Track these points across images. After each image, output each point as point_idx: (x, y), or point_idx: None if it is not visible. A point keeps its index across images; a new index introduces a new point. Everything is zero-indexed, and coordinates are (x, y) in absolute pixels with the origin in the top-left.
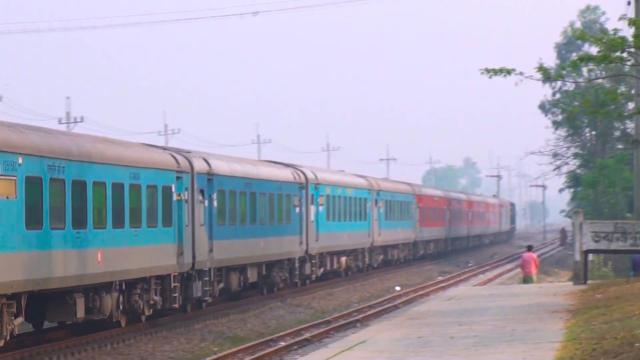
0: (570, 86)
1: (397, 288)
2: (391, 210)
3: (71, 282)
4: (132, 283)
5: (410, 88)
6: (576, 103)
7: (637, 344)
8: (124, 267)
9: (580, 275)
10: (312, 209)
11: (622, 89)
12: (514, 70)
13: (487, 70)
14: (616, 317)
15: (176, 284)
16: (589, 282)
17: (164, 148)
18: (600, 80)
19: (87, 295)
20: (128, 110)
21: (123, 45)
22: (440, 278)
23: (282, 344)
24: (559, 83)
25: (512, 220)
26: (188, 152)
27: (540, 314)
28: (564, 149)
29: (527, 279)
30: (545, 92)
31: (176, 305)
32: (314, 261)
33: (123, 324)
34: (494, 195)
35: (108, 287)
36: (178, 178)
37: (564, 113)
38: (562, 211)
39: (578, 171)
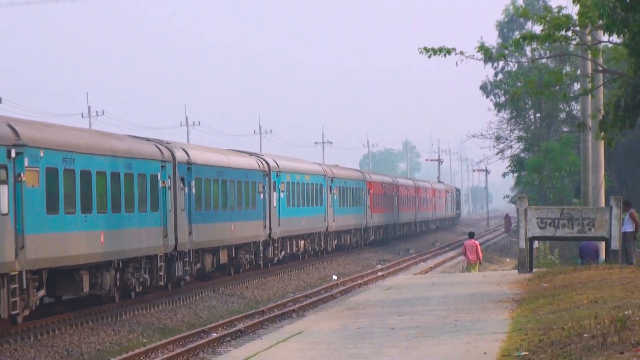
0: (513, 66)
1: (334, 277)
2: (344, 197)
3: (81, 260)
4: (126, 262)
5: (347, 69)
6: (519, 84)
7: (585, 335)
8: (121, 247)
9: (525, 263)
10: (275, 195)
11: (567, 69)
12: (454, 49)
13: (426, 50)
14: (563, 306)
15: (161, 264)
16: (535, 270)
17: (147, 139)
18: (544, 60)
19: (91, 273)
20: (49, 91)
21: (39, 23)
22: (379, 266)
23: (215, 335)
24: (501, 63)
25: (458, 206)
26: (168, 142)
27: (484, 304)
28: (507, 131)
29: (469, 268)
30: (487, 72)
31: (162, 283)
32: (276, 245)
33: (117, 299)
34: (439, 181)
35: (108, 265)
36: (162, 167)
37: (507, 94)
38: (506, 196)
39: (522, 155)
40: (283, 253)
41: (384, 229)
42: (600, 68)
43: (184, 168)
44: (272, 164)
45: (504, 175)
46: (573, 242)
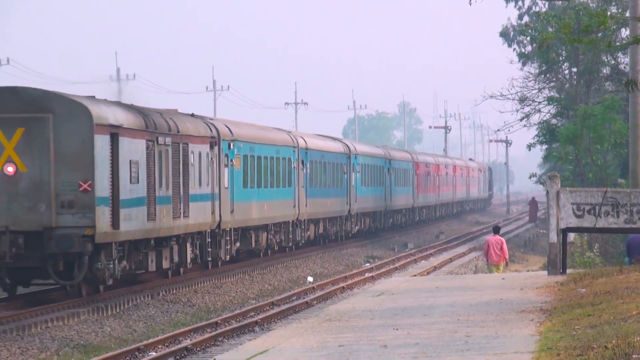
0: (542, 6)
1: (310, 279)
2: (399, 177)
3: (255, 222)
4: (273, 226)
5: (328, 10)
6: (551, 29)
7: (635, 356)
8: (273, 214)
9: (557, 262)
10: (353, 175)
11: (613, 10)
12: None
13: None
14: (606, 319)
15: (290, 229)
16: (569, 271)
17: (279, 129)
18: None
19: (255, 232)
20: None
21: None
22: (367, 265)
23: (153, 354)
24: (527, 2)
25: (490, 186)
26: (289, 132)
27: (504, 315)
28: (535, 91)
29: (492, 270)
30: (509, 14)
31: (291, 244)
32: (352, 220)
33: (261, 255)
34: (470, 159)
35: (264, 228)
36: (294, 152)
37: (535, 43)
38: (532, 175)
39: (554, 121)
40: (357, 227)
41: (427, 209)
42: None
43: (303, 152)
44: (351, 147)
45: (529, 147)
46: (619, 236)
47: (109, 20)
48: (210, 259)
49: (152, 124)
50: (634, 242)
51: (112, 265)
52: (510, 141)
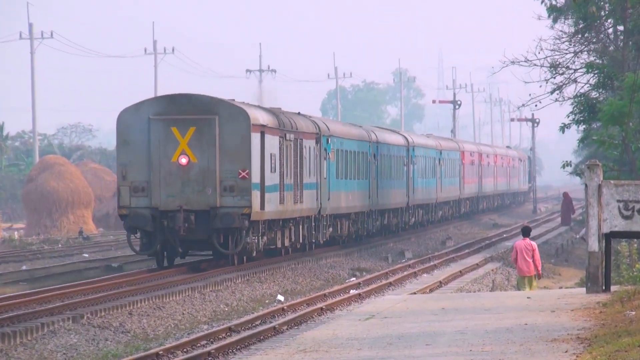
0: None
1: (280, 297)
2: (447, 169)
3: (344, 210)
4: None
5: None
6: None
7: None
8: (355, 204)
9: (599, 276)
10: (411, 167)
11: None
12: None
13: None
14: None
15: (365, 218)
16: (614, 288)
17: (354, 124)
18: None
19: (340, 220)
20: None
21: None
22: (353, 280)
23: None
24: None
25: (530, 177)
26: (361, 126)
27: (529, 344)
28: (570, 55)
29: (522, 283)
30: None
31: (365, 232)
32: (411, 211)
33: (341, 242)
34: (508, 147)
35: (347, 216)
36: (369, 146)
37: None
38: (566, 164)
39: (594, 94)
40: (413, 219)
41: (470, 201)
42: None
43: (375, 146)
44: (409, 140)
45: (562, 128)
46: None
47: None
48: (314, 240)
49: (282, 123)
50: None
51: (256, 240)
52: (537, 120)
